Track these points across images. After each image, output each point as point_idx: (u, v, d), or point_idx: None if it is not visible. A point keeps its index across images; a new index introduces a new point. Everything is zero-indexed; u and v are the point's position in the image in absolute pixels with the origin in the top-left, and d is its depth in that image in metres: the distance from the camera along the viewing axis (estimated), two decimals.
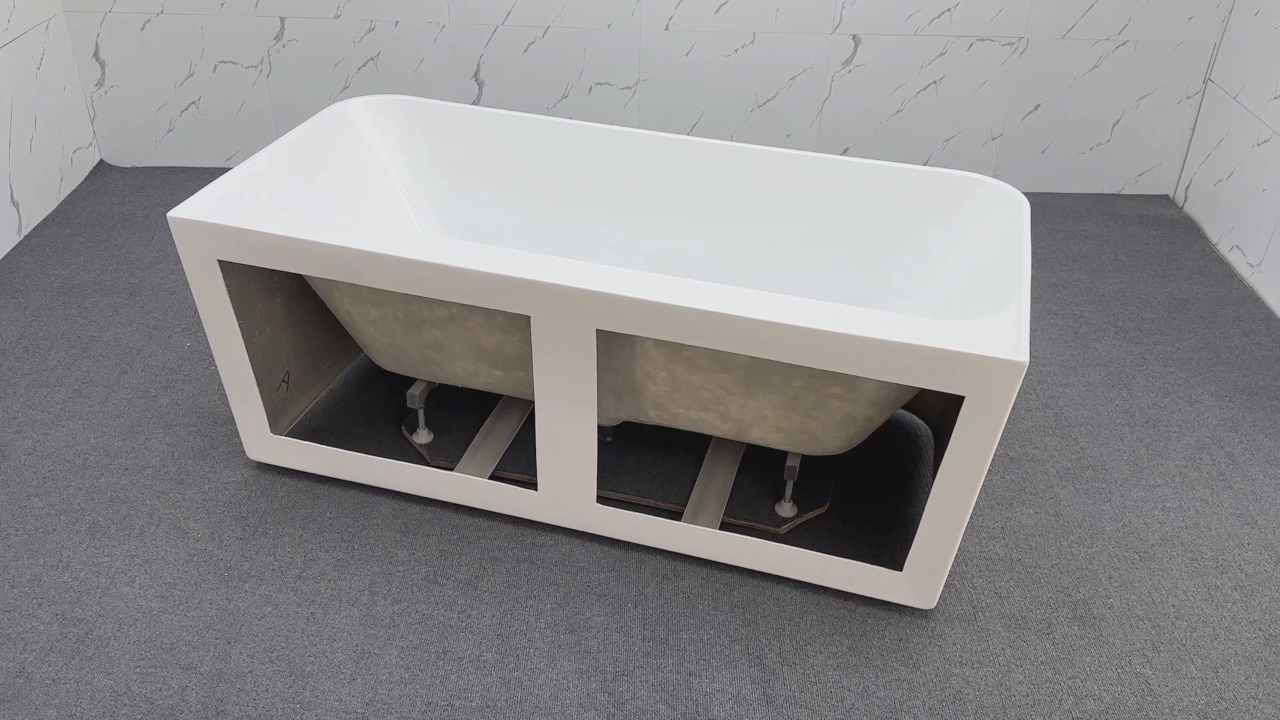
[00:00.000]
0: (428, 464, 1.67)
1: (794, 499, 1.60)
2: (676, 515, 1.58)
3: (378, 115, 1.80)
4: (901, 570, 1.42)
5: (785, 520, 1.57)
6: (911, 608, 1.45)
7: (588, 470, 1.47)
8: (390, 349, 1.59)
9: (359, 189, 1.74)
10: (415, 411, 1.74)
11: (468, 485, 1.56)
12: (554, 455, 1.47)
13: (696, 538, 1.49)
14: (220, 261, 1.43)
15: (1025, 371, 1.16)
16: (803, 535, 1.56)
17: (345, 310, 1.56)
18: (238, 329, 1.50)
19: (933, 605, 1.42)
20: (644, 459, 1.68)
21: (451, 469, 1.64)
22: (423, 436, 1.70)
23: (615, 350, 1.42)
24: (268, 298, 1.58)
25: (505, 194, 1.81)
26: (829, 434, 1.44)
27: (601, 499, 1.62)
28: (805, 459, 1.67)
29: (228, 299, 1.46)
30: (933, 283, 1.57)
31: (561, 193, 1.78)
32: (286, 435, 1.67)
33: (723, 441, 1.70)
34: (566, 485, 1.50)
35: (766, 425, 1.45)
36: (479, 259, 1.32)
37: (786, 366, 1.35)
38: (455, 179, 1.82)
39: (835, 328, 1.21)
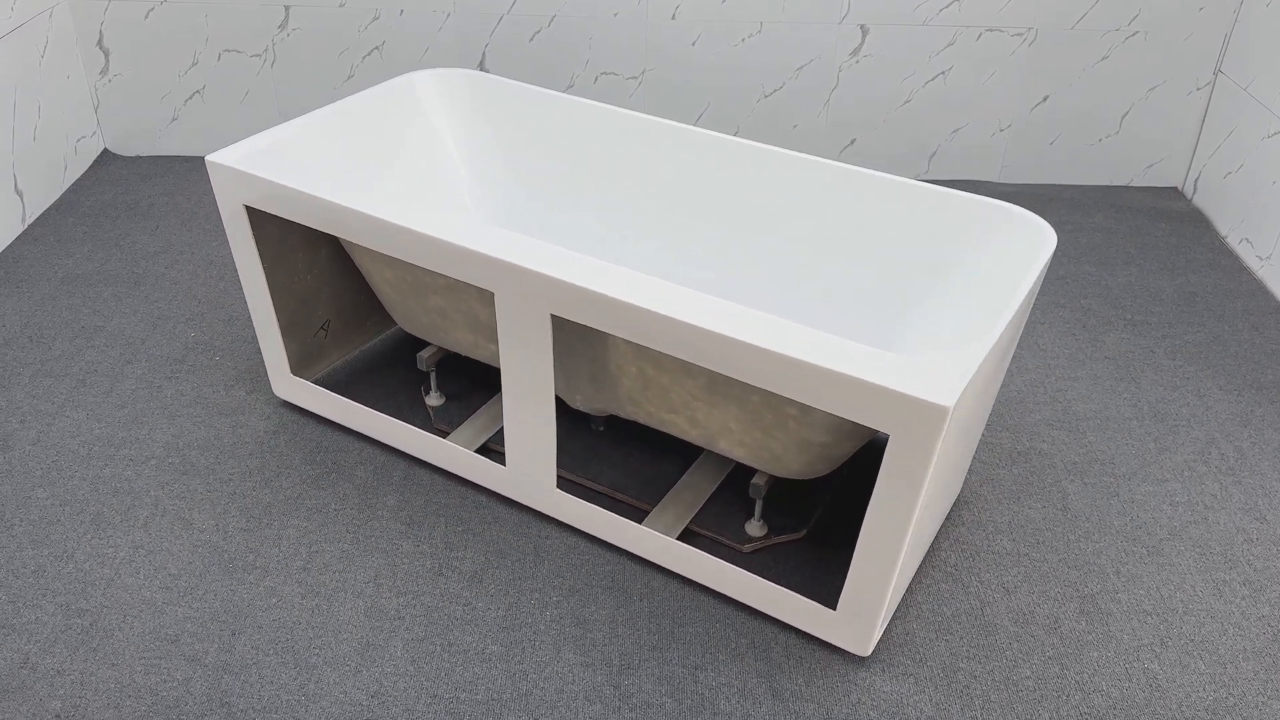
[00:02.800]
0: (431, 424, 1.73)
1: (770, 521, 1.55)
2: (644, 515, 1.56)
3: (444, 89, 1.83)
4: (836, 610, 1.34)
5: (752, 539, 1.52)
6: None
7: (547, 453, 1.47)
8: (404, 310, 1.66)
9: (410, 157, 1.78)
10: (428, 374, 1.82)
11: (450, 451, 1.60)
12: (519, 434, 1.48)
13: (648, 541, 1.46)
14: (248, 208, 1.54)
15: (949, 417, 1.10)
16: (767, 558, 1.50)
17: (366, 268, 1.63)
18: (262, 270, 1.60)
19: (868, 653, 1.35)
20: (633, 454, 1.67)
21: (448, 434, 1.69)
22: (433, 399, 1.77)
23: (591, 339, 1.42)
24: (311, 248, 1.68)
25: (562, 179, 1.81)
26: (790, 456, 1.40)
27: (571, 486, 1.62)
28: (798, 483, 1.63)
29: (253, 241, 1.57)
30: (935, 312, 1.52)
31: (618, 181, 1.77)
32: (314, 382, 1.74)
33: (713, 452, 1.66)
34: (529, 466, 1.51)
35: (731, 438, 1.42)
36: (447, 230, 1.36)
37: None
38: (513, 159, 1.83)
39: (763, 343, 1.16)
